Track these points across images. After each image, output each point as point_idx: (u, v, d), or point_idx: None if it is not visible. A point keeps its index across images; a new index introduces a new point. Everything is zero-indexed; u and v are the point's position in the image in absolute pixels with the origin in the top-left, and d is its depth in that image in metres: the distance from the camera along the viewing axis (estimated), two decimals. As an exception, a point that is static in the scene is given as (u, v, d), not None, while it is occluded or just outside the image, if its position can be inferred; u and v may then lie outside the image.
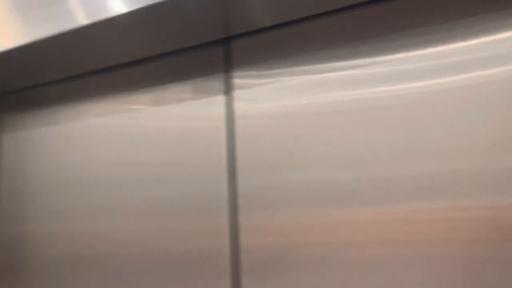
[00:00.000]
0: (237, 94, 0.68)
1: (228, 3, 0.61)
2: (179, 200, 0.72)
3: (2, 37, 0.74)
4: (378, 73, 0.60)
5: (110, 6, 0.65)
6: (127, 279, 0.74)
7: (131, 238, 0.74)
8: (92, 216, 0.78)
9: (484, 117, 0.53)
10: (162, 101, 0.76)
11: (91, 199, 0.79)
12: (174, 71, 0.76)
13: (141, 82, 0.79)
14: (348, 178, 0.59)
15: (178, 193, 0.72)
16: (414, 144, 0.56)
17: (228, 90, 0.71)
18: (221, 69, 0.72)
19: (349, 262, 0.57)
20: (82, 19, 0.67)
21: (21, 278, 0.84)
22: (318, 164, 0.61)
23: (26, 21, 0.73)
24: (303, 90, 0.64)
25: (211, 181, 0.69)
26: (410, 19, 0.59)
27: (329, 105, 0.62)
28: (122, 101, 0.80)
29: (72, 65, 0.81)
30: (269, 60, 0.67)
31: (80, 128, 0.83)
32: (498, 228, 0.51)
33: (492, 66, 0.54)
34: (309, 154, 0.62)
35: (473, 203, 0.52)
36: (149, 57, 0.78)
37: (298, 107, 0.64)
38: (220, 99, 0.71)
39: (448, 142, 0.55)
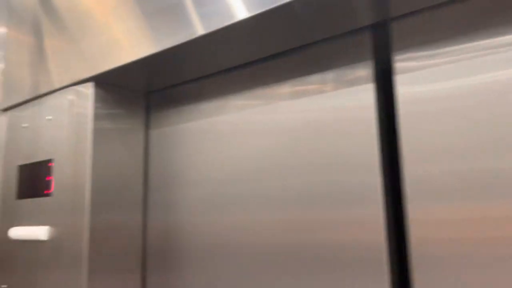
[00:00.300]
0: (399, 79, 0.65)
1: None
2: (326, 192, 0.71)
3: (140, 45, 0.80)
4: None
5: (238, 10, 0.67)
6: (274, 271, 0.75)
7: (278, 230, 0.75)
8: (238, 207, 0.81)
9: None
10: (303, 93, 0.76)
11: (236, 191, 0.81)
12: (315, 62, 0.76)
13: (280, 75, 0.80)
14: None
15: (324, 185, 0.71)
16: None
17: (379, 76, 0.69)
18: (368, 56, 0.70)
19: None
20: (214, 23, 0.70)
21: (171, 266, 0.89)
22: (496, 151, 0.56)
23: (160, 28, 0.77)
24: (474, 69, 0.59)
25: (361, 172, 0.67)
26: None
27: (503, 84, 0.57)
28: (262, 95, 0.82)
29: (210, 63, 0.85)
30: (432, 40, 0.63)
31: (222, 122, 0.86)
32: None
33: None
34: (485, 140, 0.57)
35: None
36: (287, 50, 0.79)
37: (469, 88, 0.59)
38: (369, 87, 0.69)
39: None
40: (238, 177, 0.82)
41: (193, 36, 0.72)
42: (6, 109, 1.10)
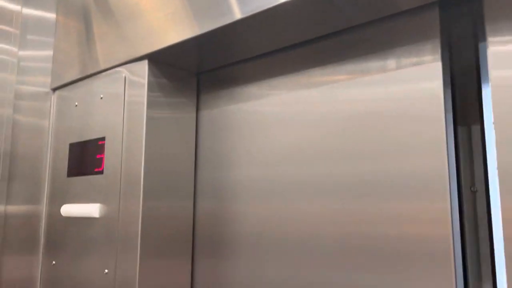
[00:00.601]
0: (492, 61, 0.58)
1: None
2: (386, 183, 0.67)
3: (185, 27, 0.79)
4: None
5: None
6: (326, 262, 0.72)
7: (332, 220, 0.72)
8: (289, 194, 0.78)
9: None
10: (360, 73, 0.73)
11: (286, 178, 0.79)
12: (375, 42, 0.72)
13: (334, 56, 0.77)
14: None
15: (385, 174, 0.67)
16: None
17: (446, 56, 0.65)
18: (435, 34, 0.66)
19: None
20: (252, 7, 0.69)
21: (220, 252, 0.88)
22: None
23: (202, 12, 0.77)
24: None
25: (426, 161, 0.64)
26: None
27: None
28: (315, 75, 0.79)
29: (257, 45, 0.83)
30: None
31: (273, 105, 0.84)
32: None
33: None
34: None
35: None
36: (344, 29, 0.76)
37: None
38: (435, 66, 0.65)
39: None
40: (289, 160, 0.79)
41: (232, 20, 0.72)
42: (55, 89, 1.11)
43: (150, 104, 0.87)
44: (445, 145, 0.62)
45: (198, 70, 0.96)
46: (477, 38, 0.69)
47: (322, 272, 0.72)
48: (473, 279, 0.65)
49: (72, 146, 1.00)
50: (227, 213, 0.88)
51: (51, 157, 1.07)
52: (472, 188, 0.67)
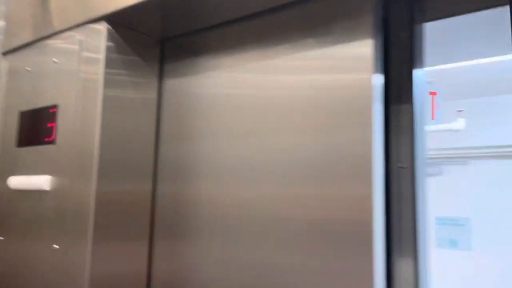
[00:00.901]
0: None
1: None
2: (320, 165, 0.67)
3: None
4: None
5: None
6: (263, 243, 0.71)
7: (273, 202, 0.71)
8: (247, 176, 0.76)
9: None
10: (303, 51, 0.71)
11: (247, 150, 0.76)
12: (318, 18, 0.70)
13: (279, 32, 0.75)
14: None
15: (319, 158, 0.67)
16: None
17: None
18: (368, 14, 0.65)
19: None
20: None
21: (179, 234, 0.84)
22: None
23: None
24: None
25: (357, 145, 0.64)
26: None
27: None
28: (258, 53, 0.77)
29: (217, 13, 0.79)
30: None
31: (237, 76, 0.80)
32: None
33: None
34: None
35: None
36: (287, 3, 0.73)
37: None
38: (368, 44, 0.64)
39: None
40: (249, 134, 0.76)
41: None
42: (6, 53, 1.02)
43: (107, 72, 0.80)
44: (372, 123, 0.63)
45: (162, 36, 0.90)
46: (413, 18, 0.70)
47: (271, 250, 0.71)
48: (396, 255, 0.66)
49: (22, 114, 0.92)
50: (188, 194, 0.83)
51: (0, 126, 0.99)
52: (399, 165, 0.68)
